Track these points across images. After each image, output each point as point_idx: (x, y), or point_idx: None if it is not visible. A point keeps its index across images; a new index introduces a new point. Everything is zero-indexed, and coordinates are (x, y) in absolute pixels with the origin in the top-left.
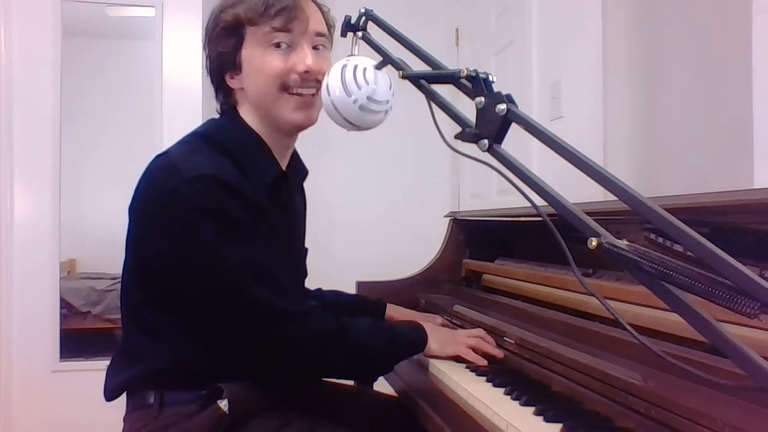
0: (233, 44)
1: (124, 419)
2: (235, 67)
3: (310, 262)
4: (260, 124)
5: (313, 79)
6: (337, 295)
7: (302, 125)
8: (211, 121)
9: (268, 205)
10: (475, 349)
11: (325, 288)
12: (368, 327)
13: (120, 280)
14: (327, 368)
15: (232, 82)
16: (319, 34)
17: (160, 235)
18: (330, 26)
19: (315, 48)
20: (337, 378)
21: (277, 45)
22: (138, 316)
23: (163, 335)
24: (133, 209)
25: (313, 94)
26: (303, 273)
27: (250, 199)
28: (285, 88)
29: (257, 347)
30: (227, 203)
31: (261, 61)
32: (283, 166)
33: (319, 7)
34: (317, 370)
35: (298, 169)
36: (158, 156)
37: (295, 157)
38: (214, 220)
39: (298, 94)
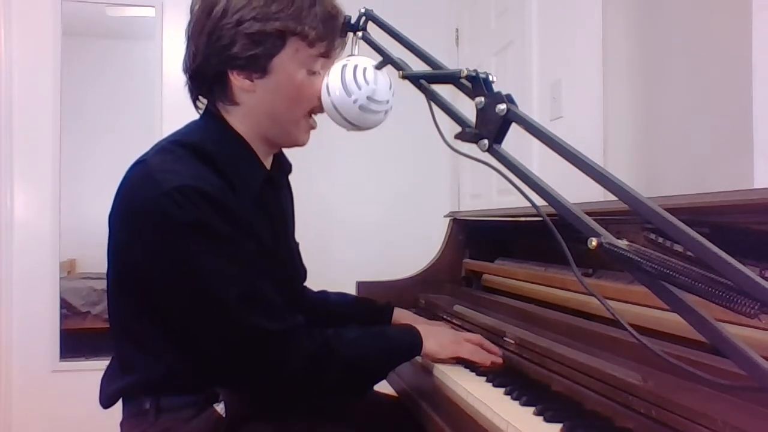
0: (271, 48)
1: (121, 425)
2: (262, 70)
3: (310, 262)
4: (252, 130)
5: None
6: (342, 297)
7: (302, 145)
8: (192, 125)
9: (254, 213)
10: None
11: (324, 288)
12: (357, 337)
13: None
14: (316, 386)
15: (243, 83)
16: None
17: (139, 248)
18: None
19: None
20: (328, 397)
21: (314, 72)
22: (125, 327)
23: (152, 347)
24: (112, 220)
25: None
26: (299, 272)
27: (233, 211)
28: (310, 113)
29: (241, 368)
30: (208, 216)
31: (298, 82)
32: (267, 166)
33: None
34: (305, 390)
35: (282, 165)
36: (135, 164)
37: (278, 153)
38: (193, 235)
39: (313, 120)
